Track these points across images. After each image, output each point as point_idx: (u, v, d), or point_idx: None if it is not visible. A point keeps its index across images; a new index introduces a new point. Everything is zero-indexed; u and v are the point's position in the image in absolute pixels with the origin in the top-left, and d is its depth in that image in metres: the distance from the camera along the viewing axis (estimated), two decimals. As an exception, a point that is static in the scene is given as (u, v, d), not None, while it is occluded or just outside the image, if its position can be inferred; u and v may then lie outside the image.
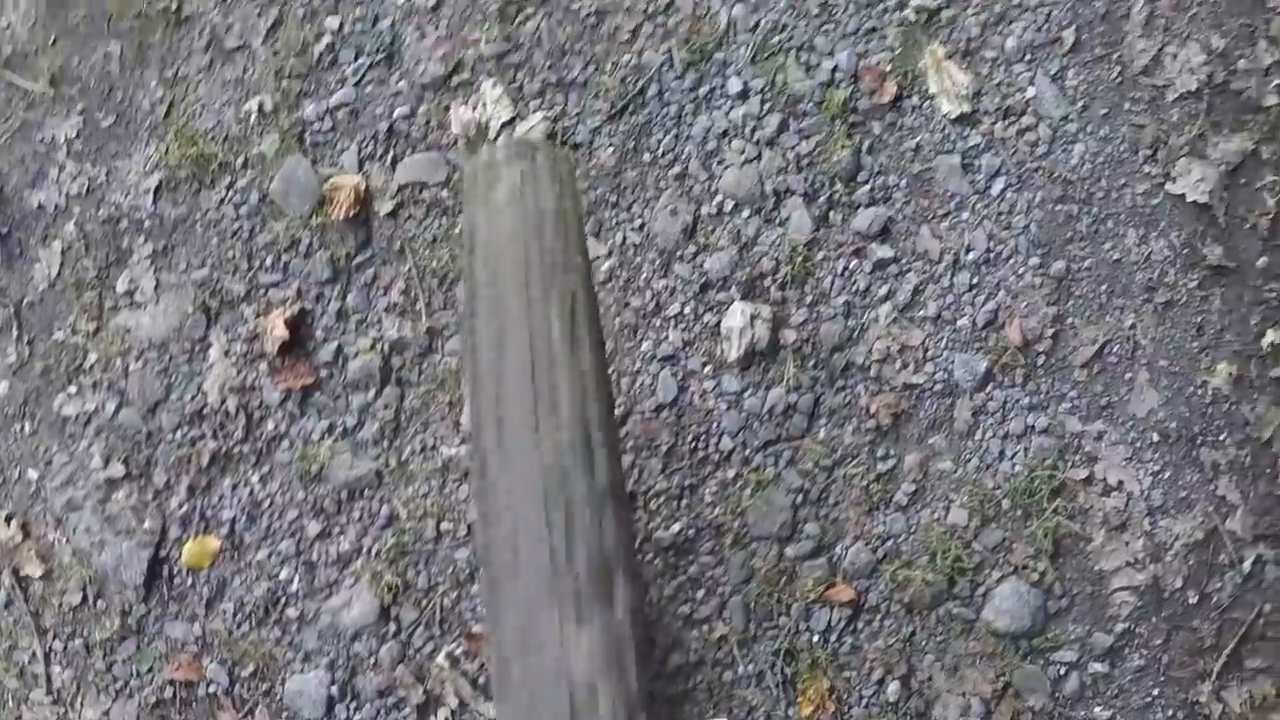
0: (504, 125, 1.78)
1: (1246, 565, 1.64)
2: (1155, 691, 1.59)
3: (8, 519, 1.85)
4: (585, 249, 1.21)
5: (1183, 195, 1.72)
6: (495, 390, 1.08)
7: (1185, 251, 1.71)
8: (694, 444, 1.69)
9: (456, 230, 1.73)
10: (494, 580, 1.04)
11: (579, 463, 1.05)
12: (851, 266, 1.72)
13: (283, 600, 1.75)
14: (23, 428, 1.87)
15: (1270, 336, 1.70)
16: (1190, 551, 1.64)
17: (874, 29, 1.77)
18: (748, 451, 1.68)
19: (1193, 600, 1.63)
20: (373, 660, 1.71)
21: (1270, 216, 1.73)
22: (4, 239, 1.94)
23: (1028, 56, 1.76)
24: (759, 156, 1.74)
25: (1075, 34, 1.76)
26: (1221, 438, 1.68)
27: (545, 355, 1.08)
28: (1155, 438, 1.67)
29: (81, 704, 1.80)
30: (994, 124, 1.74)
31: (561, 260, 1.15)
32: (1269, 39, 1.77)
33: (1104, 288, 1.71)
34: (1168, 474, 1.66)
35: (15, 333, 1.90)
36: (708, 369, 1.71)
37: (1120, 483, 1.66)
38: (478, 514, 1.10)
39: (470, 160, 1.30)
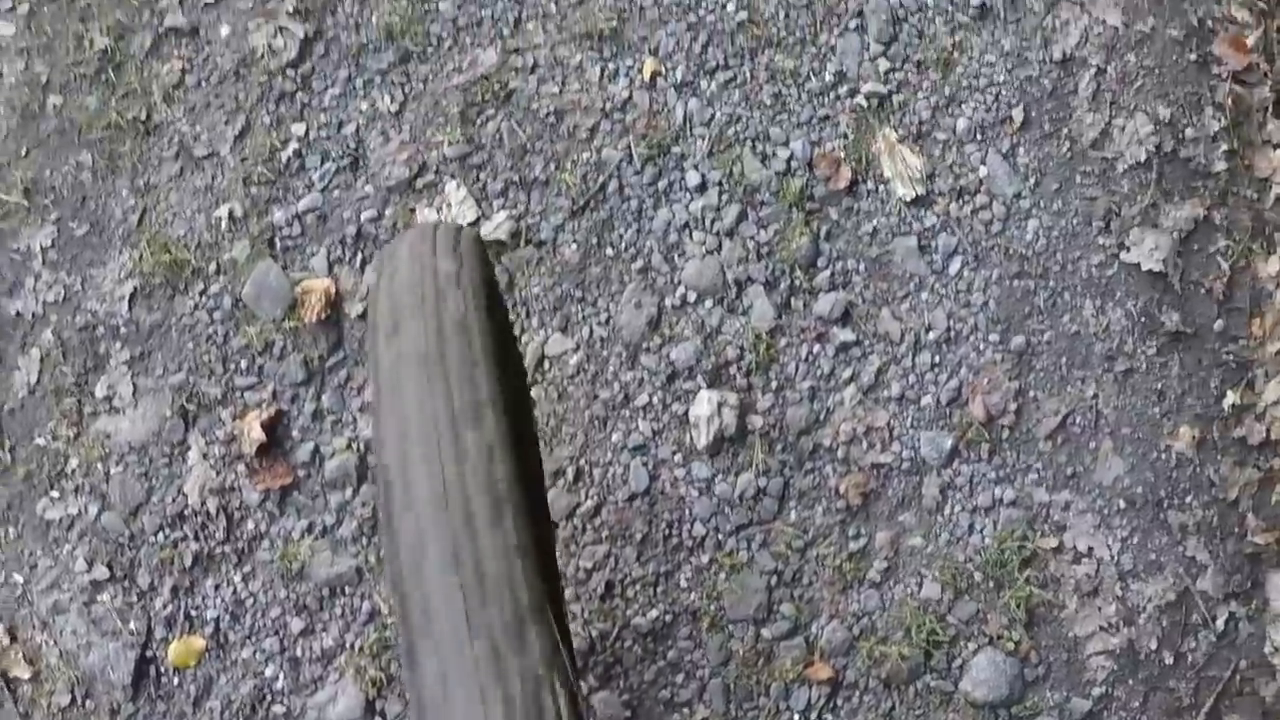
0: (469, 226, 1.81)
1: (1220, 623, 1.67)
2: (1135, 754, 1.62)
3: (-6, 622, 1.88)
4: (492, 310, 1.22)
5: (1138, 264, 1.76)
6: (401, 467, 1.11)
7: (1143, 319, 1.74)
8: (667, 531, 1.72)
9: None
10: (410, 640, 1.07)
11: (488, 521, 1.06)
12: (815, 351, 1.75)
13: (269, 697, 1.77)
14: (6, 533, 1.89)
15: (1230, 398, 1.74)
16: (1163, 613, 1.67)
17: (827, 117, 1.81)
18: (720, 536, 1.70)
19: (1168, 661, 1.65)
20: (359, 753, 1.73)
21: (1225, 280, 1.77)
22: (-18, 348, 1.98)
23: (978, 136, 1.80)
24: (719, 247, 1.78)
25: (1024, 112, 1.80)
26: (1188, 500, 1.71)
27: (449, 429, 1.10)
28: (1122, 504, 1.70)
29: (73, 806, 1.82)
30: (949, 204, 1.78)
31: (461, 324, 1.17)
32: (1215, 105, 1.81)
33: (1064, 360, 1.74)
34: (1136, 538, 1.69)
35: (-3, 439, 1.94)
36: (678, 457, 1.73)
37: (1090, 549, 1.69)
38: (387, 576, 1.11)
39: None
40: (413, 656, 1.06)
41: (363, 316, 1.84)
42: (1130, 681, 1.64)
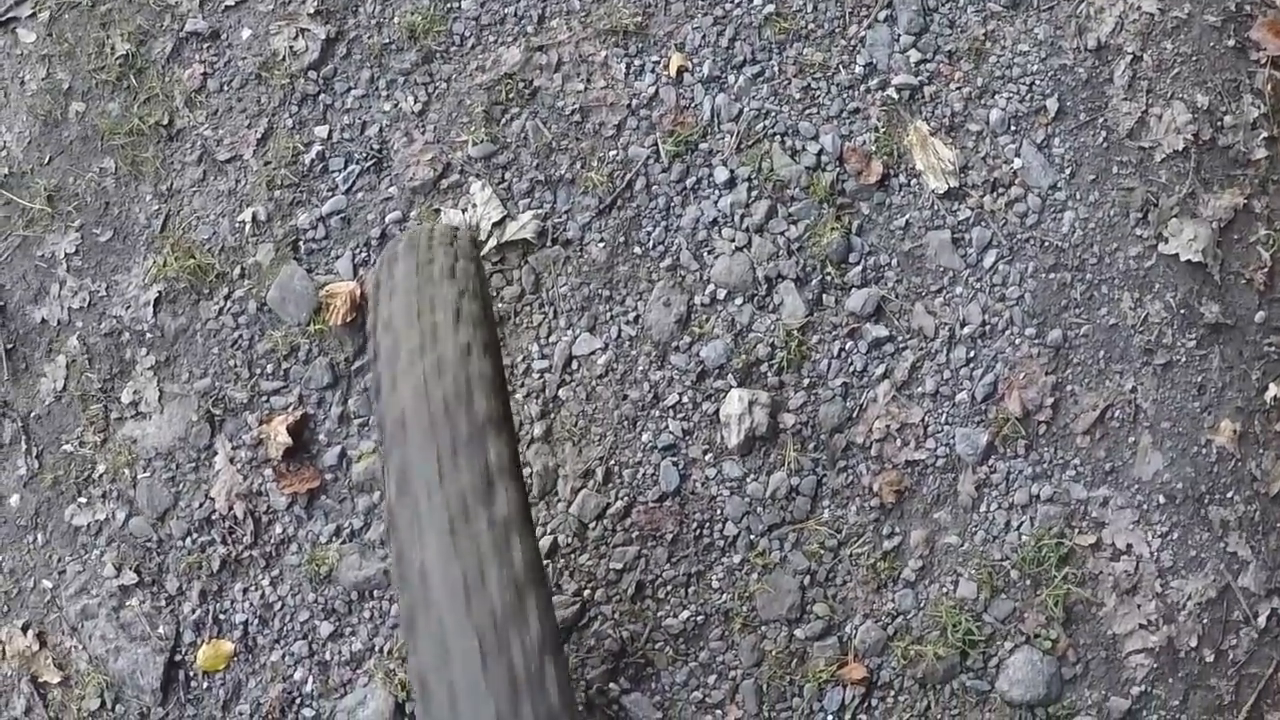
0: (494, 226, 1.80)
1: (1261, 620, 1.64)
2: (1176, 754, 1.59)
3: (24, 628, 1.87)
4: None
5: (1176, 255, 1.72)
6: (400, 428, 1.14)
7: (1182, 311, 1.71)
8: (699, 531, 1.70)
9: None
10: (410, 609, 1.09)
11: (481, 498, 1.09)
12: (847, 348, 1.73)
13: (298, 700, 1.76)
14: (35, 539, 1.90)
15: (1273, 391, 1.71)
16: (1203, 610, 1.64)
17: (857, 110, 1.79)
18: (753, 536, 1.68)
19: (1209, 658, 1.63)
20: (391, 757, 1.73)
21: (1266, 270, 1.73)
22: (9, 354, 1.96)
23: (1012, 127, 1.77)
24: (749, 244, 1.76)
25: (1059, 102, 1.77)
26: (1229, 495, 1.68)
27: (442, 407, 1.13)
28: (1162, 499, 1.67)
29: (104, 811, 1.82)
30: (982, 197, 1.75)
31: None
32: (1254, 92, 1.77)
33: (1102, 353, 1.71)
34: (1176, 534, 1.66)
35: (24, 446, 1.93)
36: (709, 456, 1.71)
37: (1129, 546, 1.66)
38: (390, 537, 1.14)
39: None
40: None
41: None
42: (1170, 680, 1.62)
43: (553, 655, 1.06)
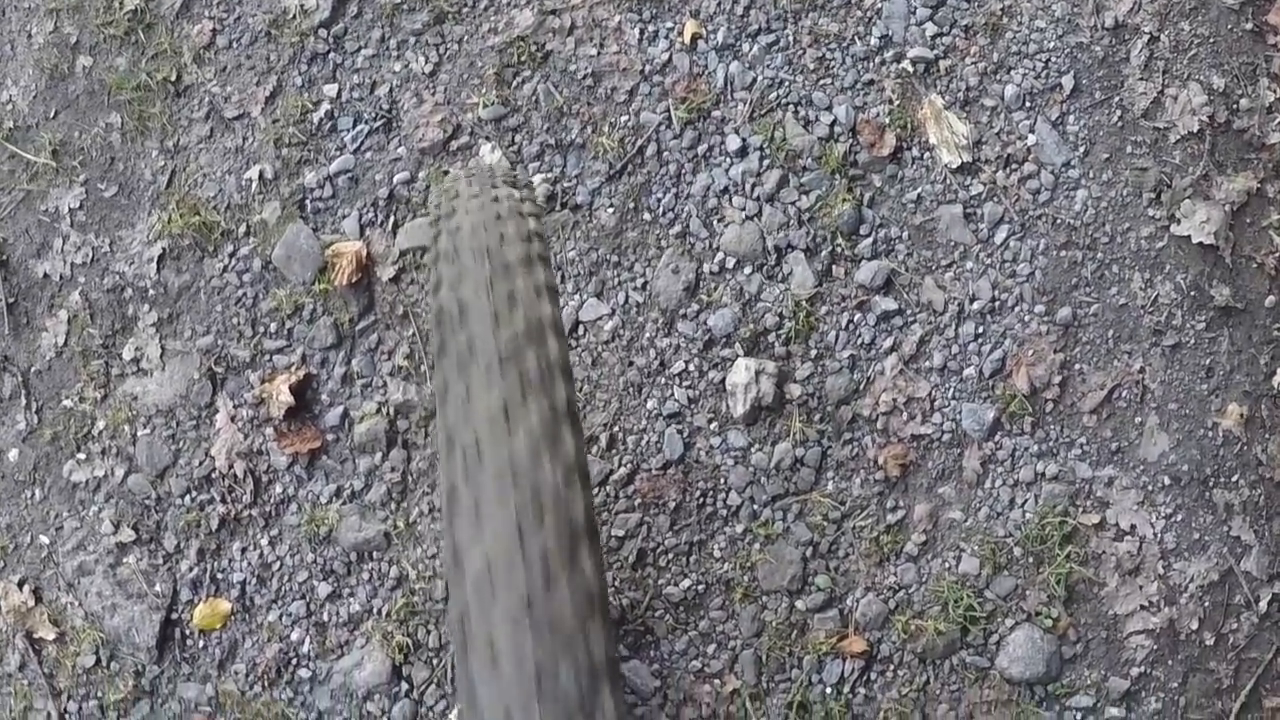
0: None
1: (1263, 605, 1.64)
2: (1173, 736, 1.58)
3: (20, 584, 1.87)
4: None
5: (1188, 237, 1.72)
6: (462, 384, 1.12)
7: (1192, 293, 1.70)
8: (702, 500, 1.69)
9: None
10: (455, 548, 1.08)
11: (547, 446, 1.08)
12: (855, 320, 1.72)
13: (295, 661, 1.75)
14: (33, 494, 1.89)
15: (1280, 375, 1.70)
16: (1205, 593, 1.63)
17: (871, 81, 1.78)
18: (756, 506, 1.68)
19: (1209, 641, 1.62)
20: (386, 719, 1.72)
21: (1277, 255, 1.73)
22: (10, 308, 1.96)
23: (1027, 104, 1.76)
24: (759, 213, 1.75)
25: (1074, 79, 1.76)
26: (1234, 479, 1.67)
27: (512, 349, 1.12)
28: (1167, 481, 1.67)
29: (97, 768, 1.81)
30: (995, 172, 1.74)
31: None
32: (1270, 75, 1.76)
33: (1111, 333, 1.70)
34: (1180, 517, 1.66)
35: (24, 401, 1.92)
36: (714, 425, 1.71)
37: (1133, 527, 1.66)
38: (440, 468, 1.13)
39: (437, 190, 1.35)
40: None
41: (395, 280, 1.82)
42: (1170, 662, 1.61)
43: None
